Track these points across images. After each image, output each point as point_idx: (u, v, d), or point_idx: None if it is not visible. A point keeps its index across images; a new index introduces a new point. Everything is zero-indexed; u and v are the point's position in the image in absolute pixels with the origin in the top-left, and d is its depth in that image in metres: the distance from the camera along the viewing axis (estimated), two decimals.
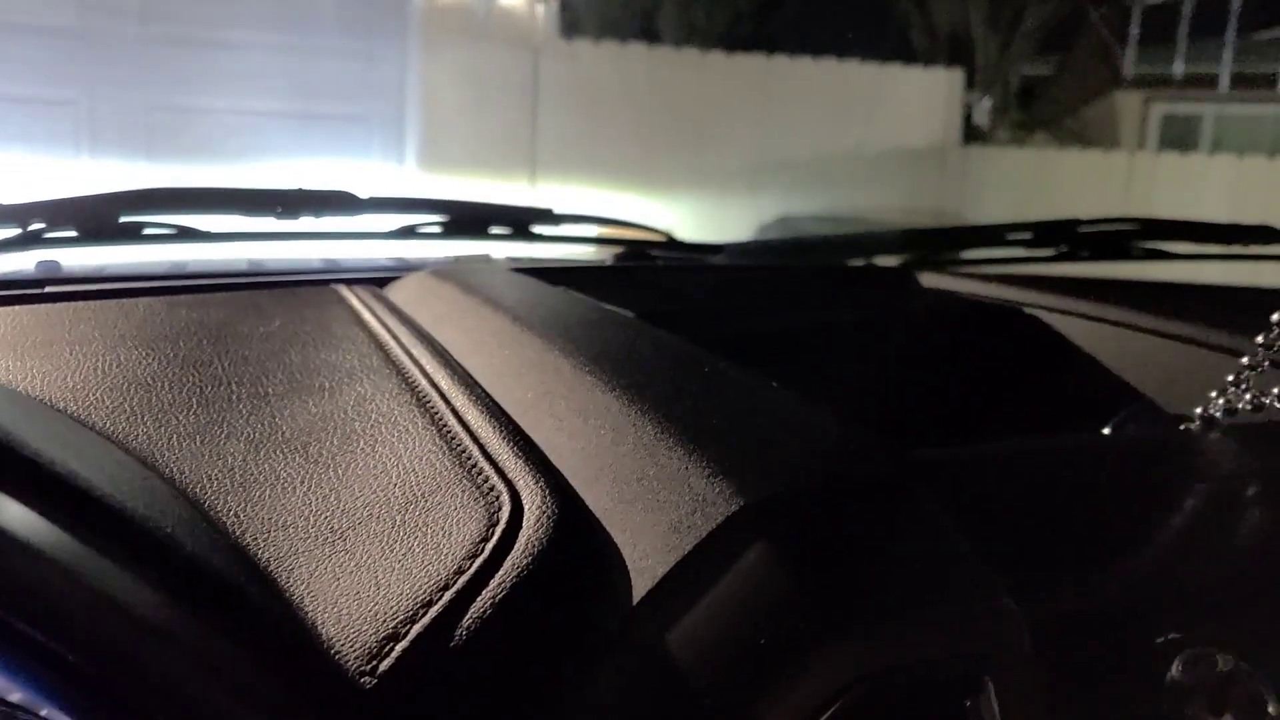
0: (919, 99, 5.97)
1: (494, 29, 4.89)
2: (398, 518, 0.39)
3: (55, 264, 0.80)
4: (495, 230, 0.93)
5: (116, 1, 4.54)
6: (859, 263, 1.02)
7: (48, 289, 0.69)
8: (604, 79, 5.27)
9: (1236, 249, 1.05)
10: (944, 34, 7.31)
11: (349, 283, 0.72)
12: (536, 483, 0.39)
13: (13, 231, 0.79)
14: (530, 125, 5.10)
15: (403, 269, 0.79)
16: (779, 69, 5.64)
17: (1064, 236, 1.05)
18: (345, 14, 4.87)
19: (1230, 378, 0.49)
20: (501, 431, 0.44)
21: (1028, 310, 0.79)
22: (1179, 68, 6.28)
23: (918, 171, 5.98)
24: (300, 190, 0.88)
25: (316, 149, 4.95)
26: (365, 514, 0.40)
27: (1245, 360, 0.49)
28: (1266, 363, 0.49)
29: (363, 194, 0.88)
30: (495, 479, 0.40)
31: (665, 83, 5.41)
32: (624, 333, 0.58)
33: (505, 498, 0.39)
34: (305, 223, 0.87)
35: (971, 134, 6.27)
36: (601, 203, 5.31)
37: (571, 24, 5.28)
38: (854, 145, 5.83)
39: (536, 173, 5.16)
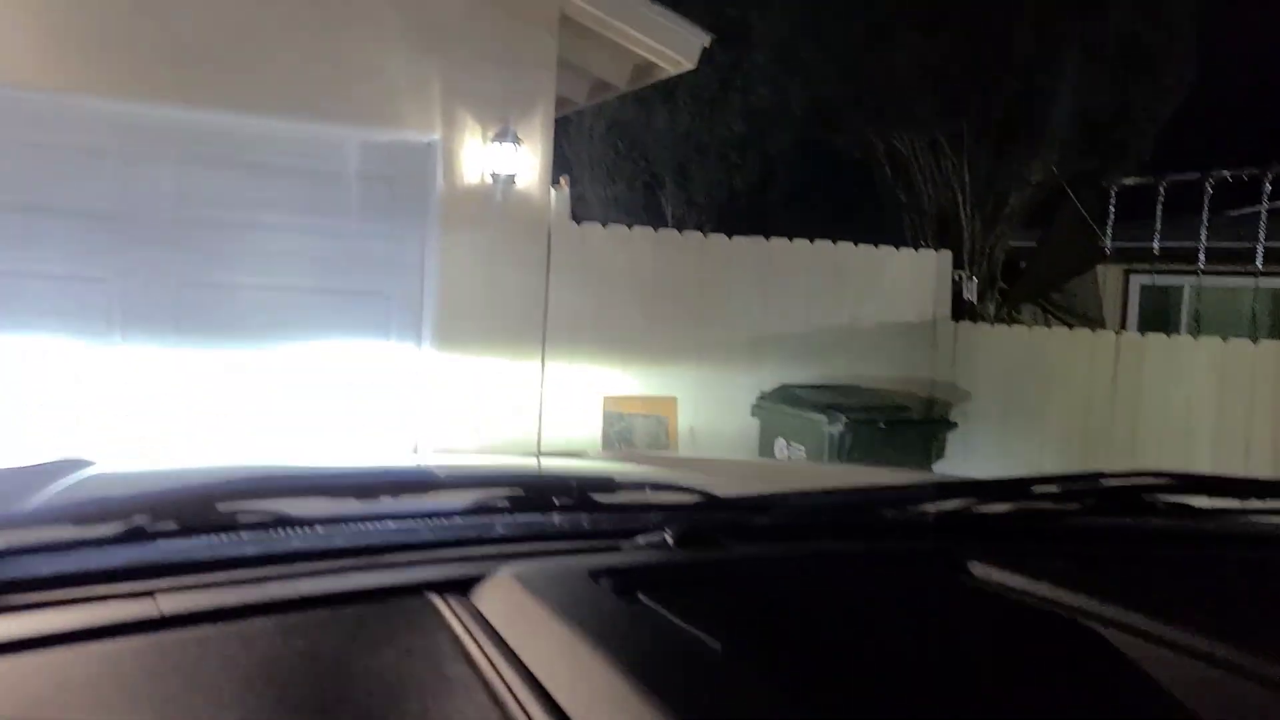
0: (909, 276, 6.28)
1: (509, 212, 5.20)
2: None
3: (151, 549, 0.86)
4: (560, 501, 1.02)
5: (154, 186, 4.84)
6: (905, 544, 1.03)
7: (159, 599, 0.75)
8: (611, 259, 5.57)
9: (1268, 504, 1.09)
10: (931, 213, 7.72)
11: (439, 589, 0.80)
12: None
13: (116, 527, 0.85)
14: (541, 302, 5.35)
15: (483, 556, 0.87)
16: (776, 250, 5.96)
17: (1090, 490, 1.12)
18: (368, 199, 5.19)
19: None
20: None
21: (1080, 620, 0.81)
22: (1156, 242, 6.62)
23: (909, 344, 6.23)
24: (381, 471, 0.99)
25: (337, 323, 5.18)
26: None
27: None
28: None
29: (439, 473, 0.98)
30: None
31: (669, 262, 5.71)
32: (699, 669, 0.66)
33: None
34: (385, 503, 0.97)
35: (961, 308, 6.54)
36: (609, 377, 5.51)
37: (580, 208, 5.60)
38: (848, 320, 6.09)
39: (546, 347, 5.39)
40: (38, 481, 1.40)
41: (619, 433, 5.65)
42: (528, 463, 2.35)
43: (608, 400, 5.60)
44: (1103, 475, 1.14)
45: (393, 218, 5.25)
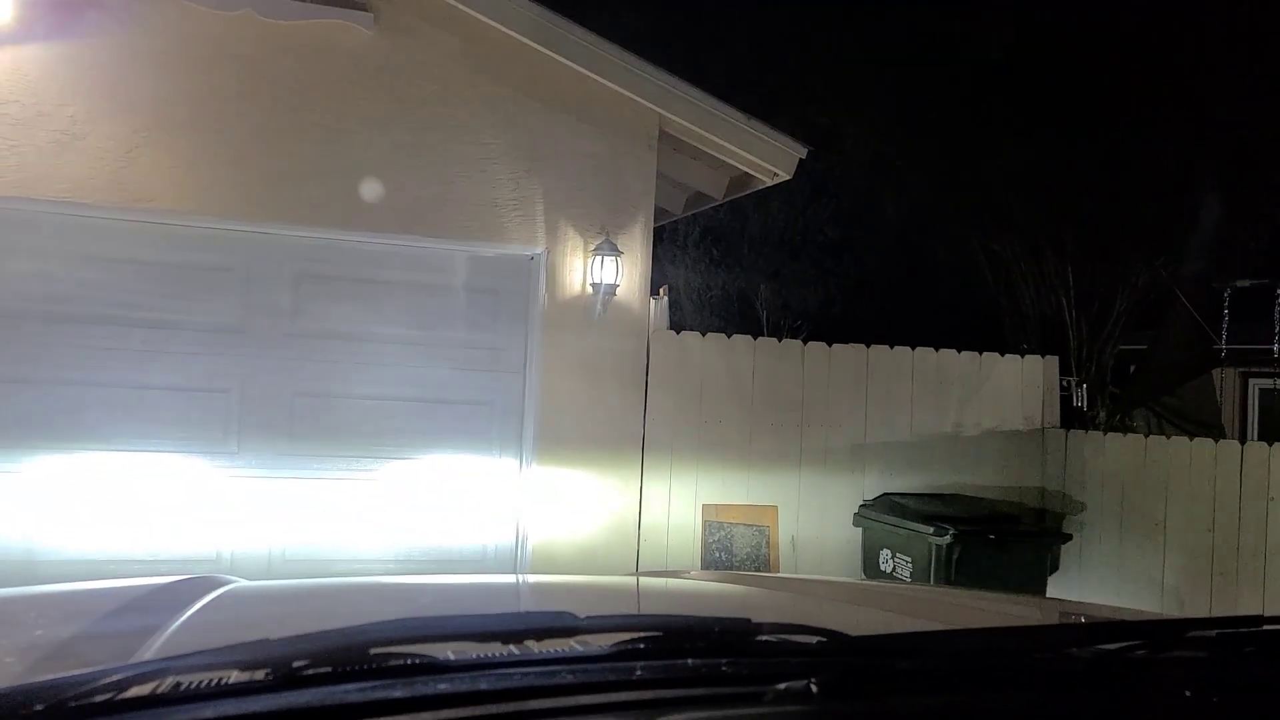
0: (1014, 382, 6.14)
1: (609, 322, 5.29)
2: None
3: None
4: (698, 644, 1.01)
5: (272, 302, 5.07)
6: (1063, 698, 0.99)
7: None
8: (710, 367, 5.60)
9: None
10: (1034, 317, 7.58)
11: None
12: None
13: (270, 673, 0.87)
14: (640, 410, 5.38)
15: (625, 704, 0.87)
16: (877, 356, 5.91)
17: (1253, 636, 1.08)
18: (474, 310, 5.35)
19: None
20: None
21: None
22: (1277, 345, 6.36)
23: (1016, 452, 6.06)
24: (524, 616, 1.00)
25: (441, 431, 5.29)
26: None
27: None
28: None
29: (581, 616, 0.99)
30: None
31: (769, 369, 5.71)
32: None
33: None
34: (529, 646, 0.98)
35: (1071, 414, 6.35)
36: (708, 486, 5.48)
37: (674, 314, 5.66)
38: (951, 427, 5.97)
39: (645, 455, 5.40)
40: (176, 601, 1.46)
41: (718, 542, 5.58)
42: (627, 583, 2.33)
43: (707, 509, 5.56)
44: (1263, 619, 1.08)
45: (497, 328, 5.39)
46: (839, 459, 5.80)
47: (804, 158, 5.44)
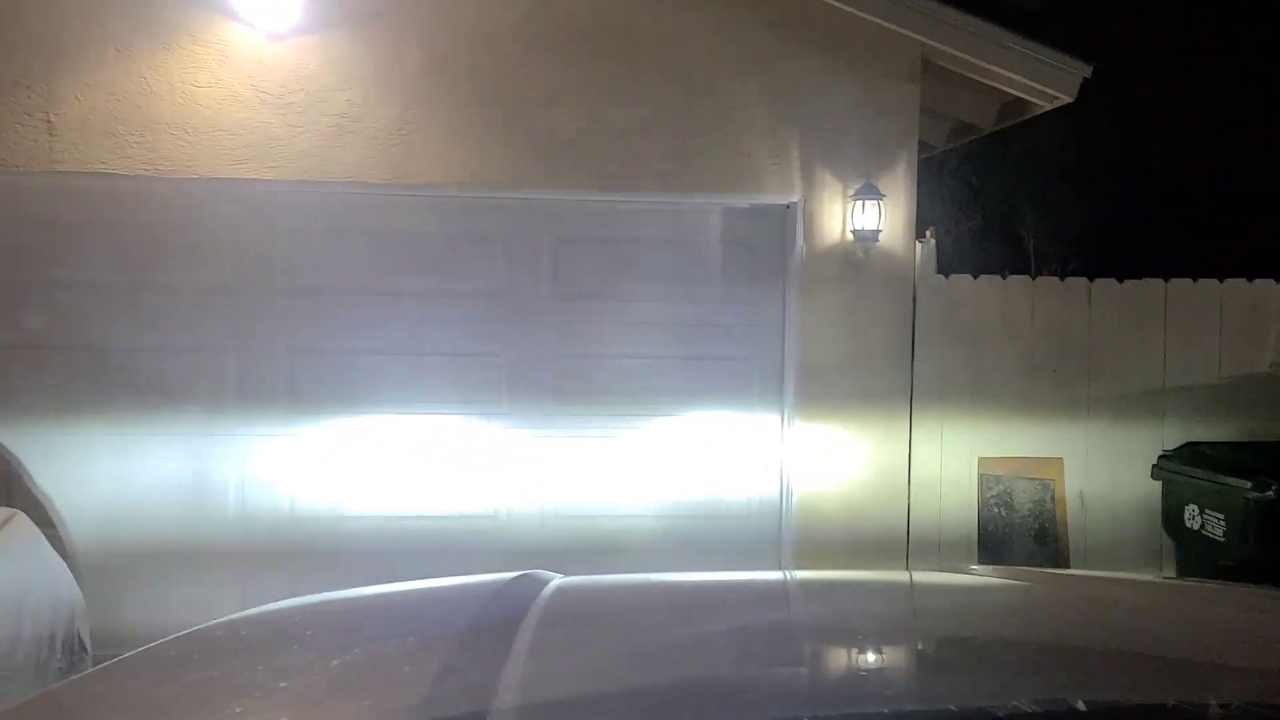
0: None
1: (871, 269, 5.03)
2: None
3: None
4: None
5: (535, 267, 5.19)
6: None
7: None
8: (983, 311, 5.23)
9: None
10: None
11: None
12: None
13: None
14: (907, 361, 5.12)
15: None
16: (1177, 292, 5.32)
17: None
18: (729, 265, 5.25)
19: None
20: None
21: None
22: None
23: None
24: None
25: (700, 388, 5.26)
26: None
27: None
28: None
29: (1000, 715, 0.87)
30: None
31: (1049, 311, 5.26)
32: None
33: None
34: None
35: None
36: (984, 438, 5.16)
37: (941, 257, 5.31)
38: (1268, 368, 5.29)
39: (914, 407, 5.14)
40: (509, 600, 1.46)
41: (997, 497, 5.26)
42: (900, 579, 2.17)
43: (984, 462, 5.24)
44: None
45: (753, 282, 5.26)
46: (1132, 406, 5.29)
47: (1088, 76, 4.90)
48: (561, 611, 1.40)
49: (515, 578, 1.58)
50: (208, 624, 1.52)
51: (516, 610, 1.36)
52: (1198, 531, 4.95)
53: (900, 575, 2.39)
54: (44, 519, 4.51)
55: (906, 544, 5.12)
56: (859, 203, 4.95)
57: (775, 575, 2.79)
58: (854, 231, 5.00)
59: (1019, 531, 5.29)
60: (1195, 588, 2.17)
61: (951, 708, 0.90)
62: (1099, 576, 2.40)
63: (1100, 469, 5.28)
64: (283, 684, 1.19)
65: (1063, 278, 5.36)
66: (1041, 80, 4.89)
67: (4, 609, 2.81)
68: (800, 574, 2.93)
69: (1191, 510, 4.99)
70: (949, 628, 1.50)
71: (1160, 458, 5.20)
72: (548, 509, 5.21)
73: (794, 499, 5.15)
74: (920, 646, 1.42)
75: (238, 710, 1.12)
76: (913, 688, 1.01)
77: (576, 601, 1.50)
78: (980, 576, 2.01)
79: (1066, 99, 4.96)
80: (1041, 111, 5.24)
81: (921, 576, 2.12)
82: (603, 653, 1.22)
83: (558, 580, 1.60)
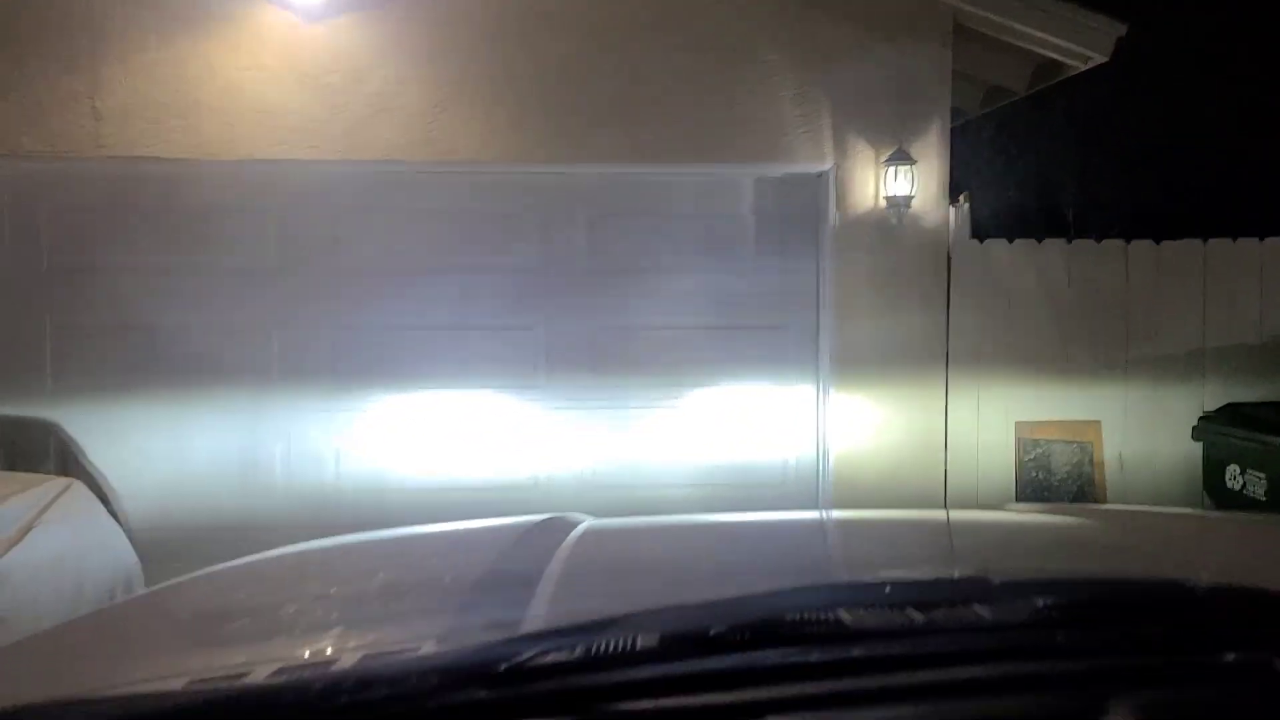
0: None
1: (905, 236, 5.04)
2: None
3: None
4: (1127, 609, 0.91)
5: (570, 241, 5.24)
6: None
7: None
8: (1019, 275, 5.22)
9: None
10: None
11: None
12: None
13: (692, 637, 0.86)
14: (942, 326, 5.12)
15: (1050, 675, 0.80)
16: (1216, 252, 5.27)
17: None
18: (762, 234, 5.27)
19: None
20: None
21: None
22: None
23: None
24: (936, 584, 0.94)
25: (736, 357, 5.30)
26: None
27: None
28: None
29: (995, 580, 0.91)
30: None
31: (1086, 274, 5.24)
32: None
33: None
34: (940, 612, 0.91)
35: None
36: (1020, 403, 5.16)
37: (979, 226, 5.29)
38: None
39: (950, 372, 5.14)
40: (538, 541, 1.52)
41: (1035, 460, 5.26)
42: (936, 516, 2.20)
43: (1021, 426, 5.23)
44: None
45: (786, 251, 5.29)
46: (1171, 368, 5.25)
47: (1122, 35, 4.86)
48: (590, 549, 1.45)
49: (545, 519, 1.63)
50: (248, 559, 1.59)
51: (545, 548, 1.41)
52: (1239, 492, 4.92)
53: (940, 512, 2.43)
54: (98, 494, 4.65)
55: (945, 509, 5.13)
56: (891, 169, 4.96)
57: (810, 514, 2.84)
58: (887, 198, 5.00)
59: (1057, 495, 5.28)
60: (1244, 518, 2.18)
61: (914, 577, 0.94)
62: (1148, 510, 2.43)
63: (1139, 431, 5.26)
64: (309, 613, 1.25)
65: (1099, 240, 5.32)
66: (1075, 40, 4.86)
67: (65, 572, 2.94)
68: (836, 513, 2.98)
69: (1233, 470, 4.96)
70: (973, 545, 1.54)
71: (1200, 419, 5.16)
72: (586, 478, 5.29)
73: (830, 466, 5.18)
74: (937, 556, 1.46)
75: (268, 633, 1.18)
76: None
77: (606, 540, 1.55)
78: (1019, 513, 2.04)
79: (1101, 58, 4.92)
80: (1076, 73, 5.19)
81: (963, 514, 2.15)
82: (630, 585, 1.26)
83: (587, 521, 1.65)
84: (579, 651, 0.82)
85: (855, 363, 5.09)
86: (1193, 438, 5.16)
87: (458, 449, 5.23)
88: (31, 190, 4.97)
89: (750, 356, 5.32)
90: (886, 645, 0.86)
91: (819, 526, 1.90)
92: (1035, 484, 5.28)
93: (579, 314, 5.28)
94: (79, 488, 3.33)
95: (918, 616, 0.90)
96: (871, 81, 4.98)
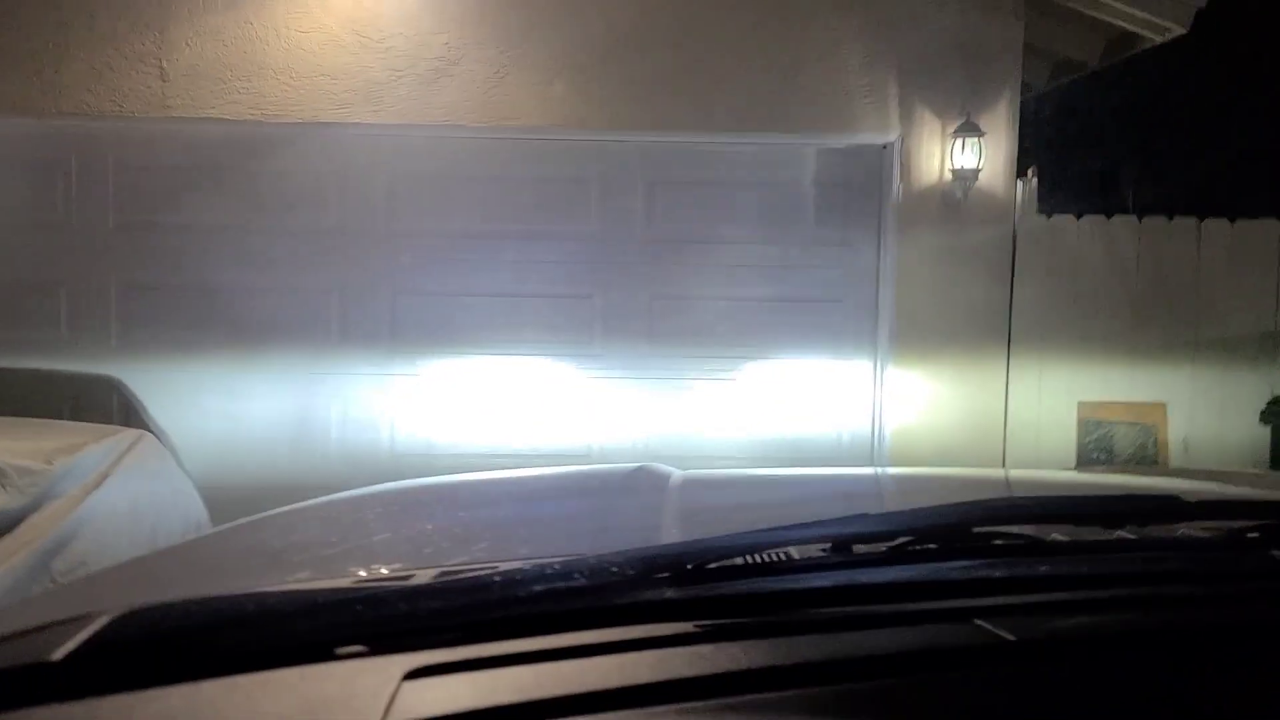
0: None
1: (971, 210, 4.94)
2: None
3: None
4: None
5: (628, 209, 5.21)
6: None
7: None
8: (1086, 253, 5.10)
9: None
10: None
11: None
12: None
13: (883, 545, 0.85)
14: (1005, 303, 5.03)
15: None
16: None
17: None
18: (823, 206, 5.20)
19: None
20: None
21: None
22: None
23: None
24: (1127, 499, 0.92)
25: (793, 330, 5.25)
26: None
27: None
28: None
29: (1189, 500, 0.90)
30: None
31: (1155, 252, 5.11)
32: None
33: None
34: (1129, 531, 0.92)
35: None
36: (1084, 383, 5.06)
37: (1048, 202, 5.18)
38: None
39: (1011, 350, 5.05)
40: (643, 483, 1.50)
41: (1096, 441, 5.16)
42: (1034, 472, 2.17)
43: (1083, 406, 5.14)
44: None
45: (847, 223, 5.21)
46: (1242, 350, 5.12)
47: (1202, 8, 4.71)
48: (699, 492, 1.45)
49: (635, 467, 1.62)
50: (353, 491, 1.58)
51: (653, 489, 1.40)
52: None
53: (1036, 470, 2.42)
54: None
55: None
56: (959, 141, 4.86)
57: (906, 469, 2.81)
58: (953, 171, 4.90)
59: None
60: None
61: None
62: (1238, 471, 2.39)
63: (1205, 415, 5.14)
64: (446, 534, 1.24)
65: (1170, 218, 5.19)
66: (1152, 10, 4.71)
67: (141, 519, 2.98)
68: (923, 470, 2.96)
69: None
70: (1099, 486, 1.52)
71: (1270, 403, 5.04)
72: (639, 447, 5.28)
73: (887, 442, 5.13)
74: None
75: (416, 548, 1.16)
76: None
77: (709, 486, 1.54)
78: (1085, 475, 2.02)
79: (1180, 30, 4.77)
80: (1151, 45, 5.04)
81: (1054, 473, 2.13)
82: (762, 517, 1.25)
83: (680, 472, 1.64)
84: (769, 557, 0.81)
85: (914, 338, 5.02)
86: (1261, 421, 5.04)
87: (511, 416, 5.24)
88: (99, 150, 5.02)
89: (807, 330, 5.27)
90: (1073, 562, 0.86)
91: (923, 478, 1.89)
92: (1096, 465, 5.19)
93: (636, 283, 5.25)
94: (150, 439, 3.38)
95: (1108, 533, 0.90)
96: (940, 52, 4.88)
